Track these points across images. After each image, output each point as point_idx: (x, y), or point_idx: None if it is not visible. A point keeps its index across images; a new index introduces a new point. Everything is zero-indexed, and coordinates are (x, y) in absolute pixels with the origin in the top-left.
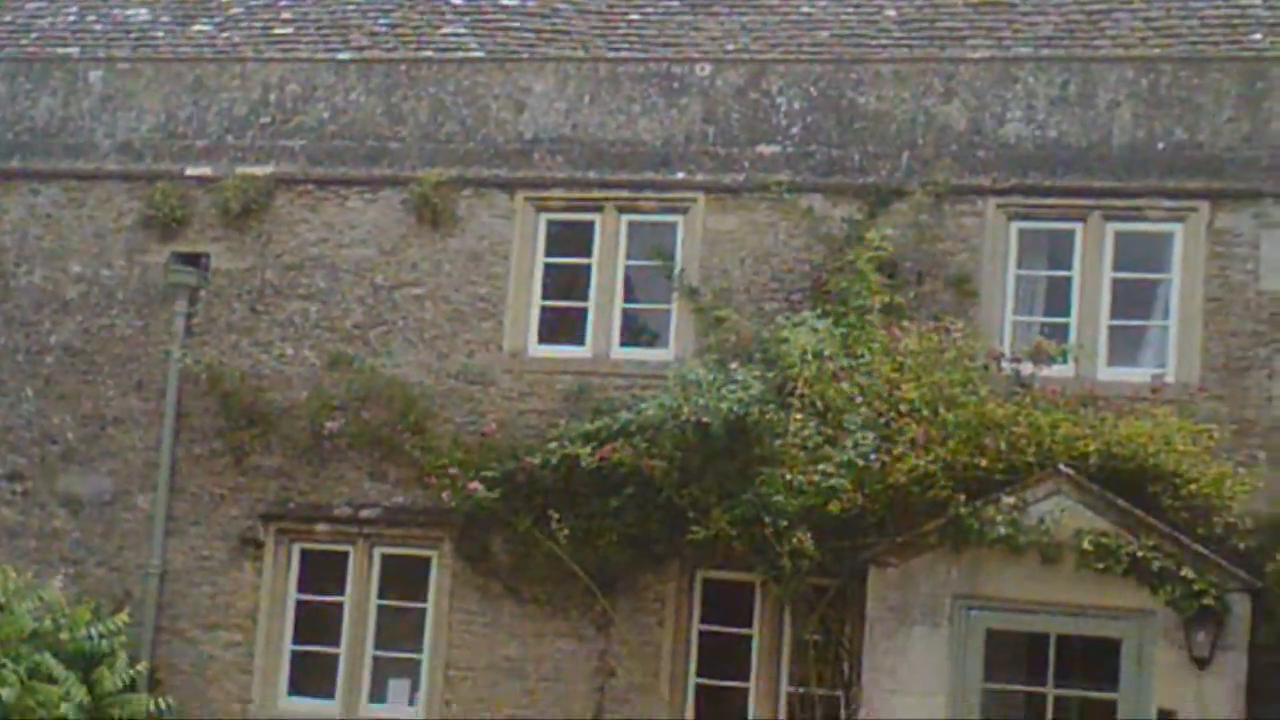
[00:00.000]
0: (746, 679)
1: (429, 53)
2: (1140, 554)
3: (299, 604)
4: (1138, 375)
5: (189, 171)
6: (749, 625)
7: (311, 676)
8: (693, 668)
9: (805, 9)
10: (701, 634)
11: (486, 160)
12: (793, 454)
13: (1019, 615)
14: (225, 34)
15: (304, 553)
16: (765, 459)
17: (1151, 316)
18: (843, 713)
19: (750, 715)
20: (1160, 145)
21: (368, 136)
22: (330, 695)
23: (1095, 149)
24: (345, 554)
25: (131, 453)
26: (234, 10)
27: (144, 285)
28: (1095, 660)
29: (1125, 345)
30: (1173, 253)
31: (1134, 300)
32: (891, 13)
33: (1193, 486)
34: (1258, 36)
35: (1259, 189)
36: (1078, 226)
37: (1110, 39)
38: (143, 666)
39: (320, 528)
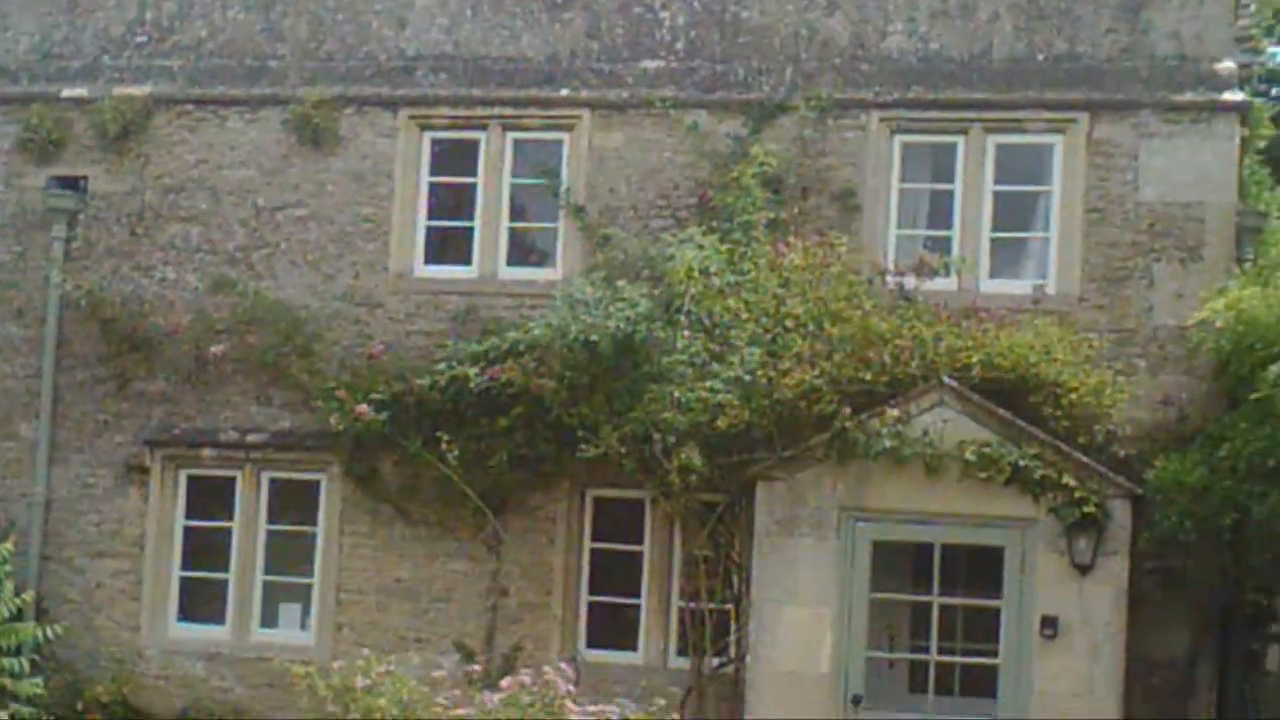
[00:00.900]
0: (638, 595)
1: None
2: (1022, 463)
3: (187, 530)
4: (1019, 287)
5: (65, 93)
6: (640, 542)
7: (201, 603)
8: (585, 585)
9: None
10: (593, 552)
11: (368, 78)
12: (681, 371)
13: (904, 526)
14: None
15: (191, 479)
16: (654, 376)
17: (1033, 228)
18: (733, 626)
19: (642, 631)
20: (1040, 57)
21: (247, 55)
22: (221, 621)
23: (976, 61)
24: (233, 479)
25: (12, 380)
26: None
27: (21, 209)
28: (980, 569)
29: (1007, 257)
30: (1053, 164)
31: (1015, 212)
32: None
33: (1073, 396)
34: None
35: (1138, 100)
36: (959, 140)
37: None
38: (29, 595)
39: (207, 453)
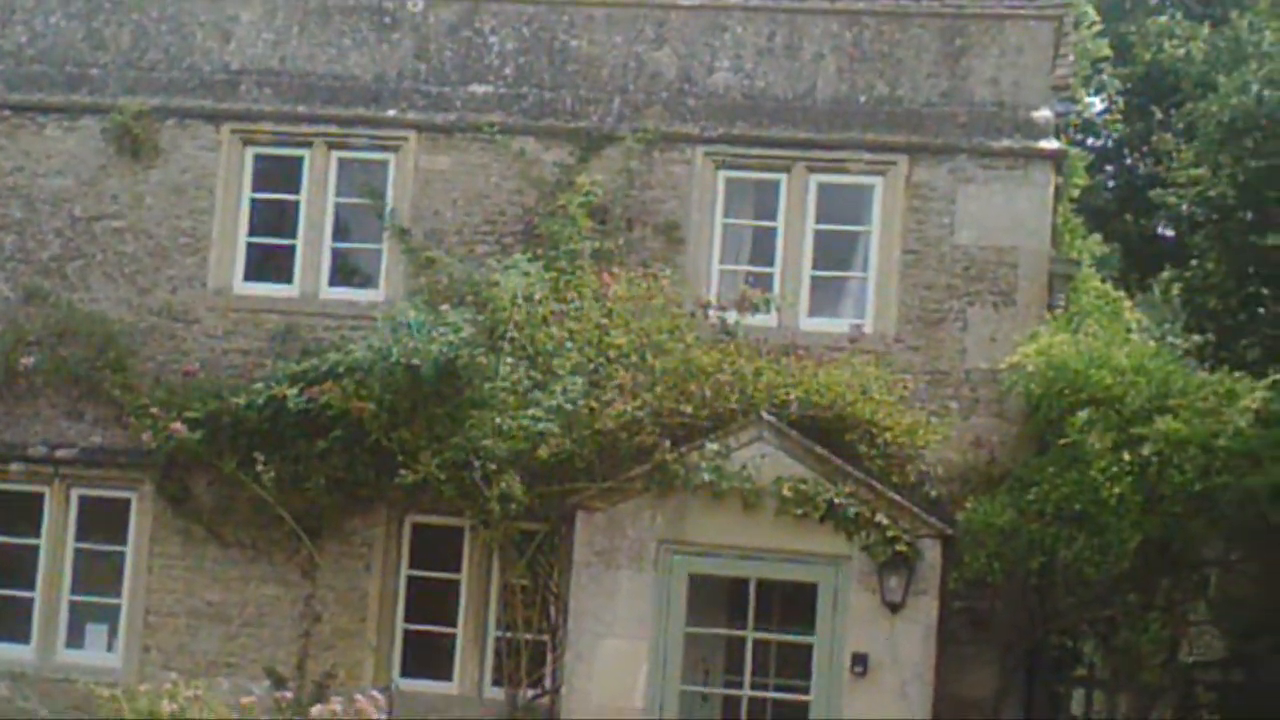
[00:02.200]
0: (454, 624)
1: None
2: (837, 500)
3: None
4: (838, 325)
5: None
6: (457, 570)
7: (5, 621)
8: (401, 613)
9: None
10: (410, 579)
11: (191, 90)
12: (503, 398)
13: (721, 560)
14: None
15: None
16: (476, 403)
17: (852, 268)
18: (549, 657)
19: (457, 660)
20: (863, 99)
21: (67, 62)
22: (26, 640)
23: (801, 100)
24: (41, 495)
25: None
26: None
27: None
28: (793, 605)
29: (827, 296)
30: (873, 205)
31: (836, 251)
32: None
33: (888, 435)
34: None
35: (956, 145)
36: (783, 177)
37: None
38: None
39: (14, 467)
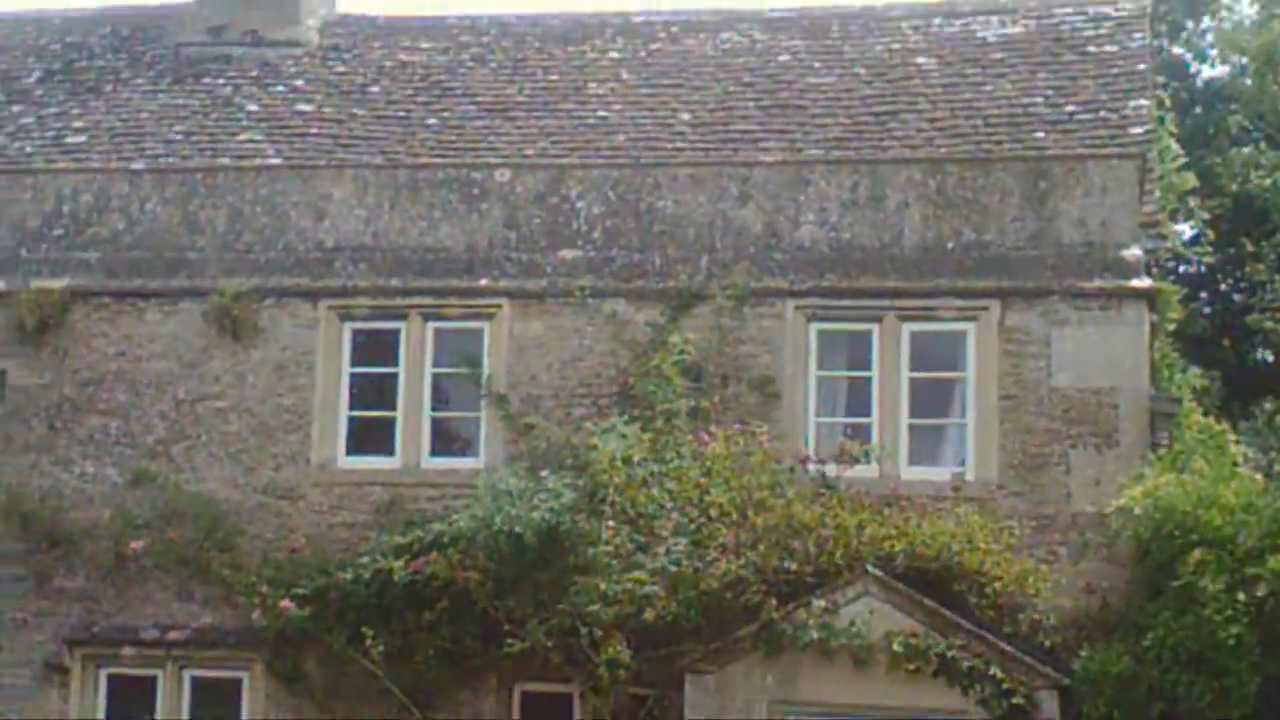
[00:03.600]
0: None
1: (225, 160)
2: (949, 654)
3: None
4: (939, 474)
5: None
6: None
7: None
8: None
9: (601, 113)
10: None
11: (288, 269)
12: (606, 562)
13: None
14: (17, 144)
15: (111, 678)
16: (579, 568)
17: (950, 415)
18: None
19: None
20: (950, 245)
21: (165, 247)
22: None
23: (888, 250)
24: (154, 678)
25: None
26: (25, 120)
27: None
28: None
29: (926, 444)
30: (967, 351)
31: (932, 399)
32: (686, 116)
33: (997, 584)
34: (1041, 135)
35: (1047, 287)
36: (875, 327)
37: (898, 140)
38: None
39: (127, 651)
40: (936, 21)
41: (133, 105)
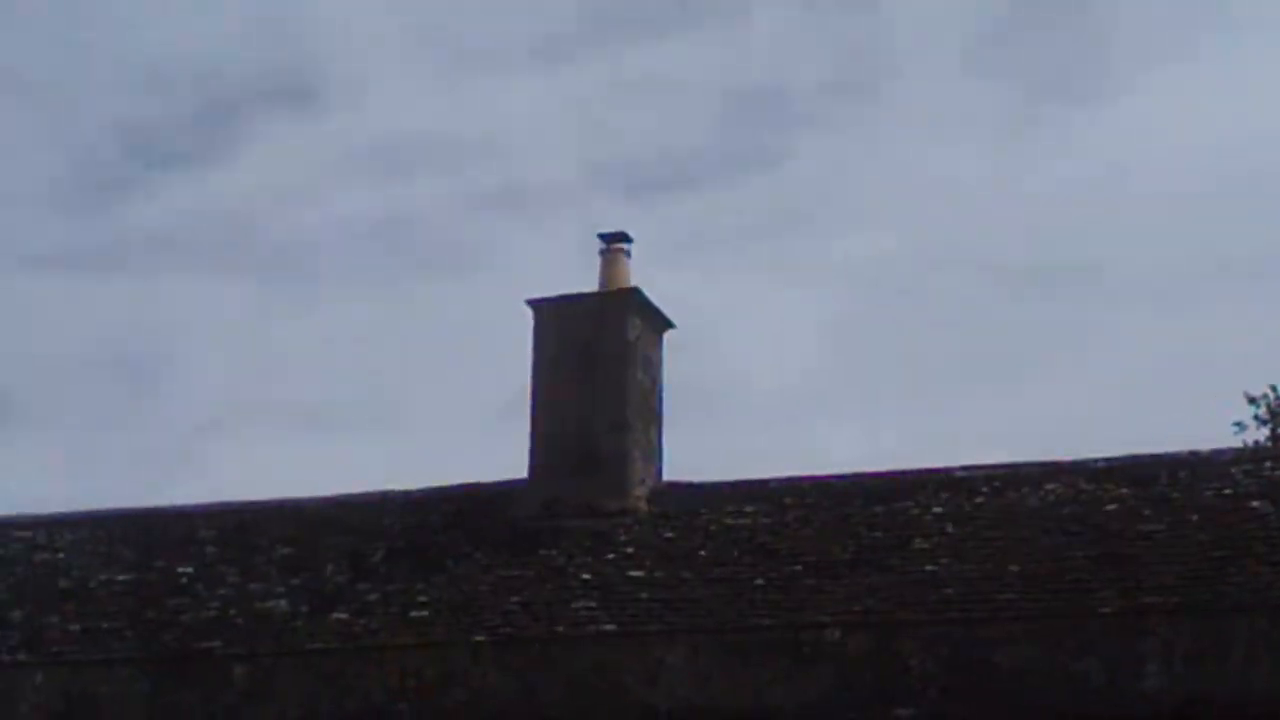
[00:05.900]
0: None
1: (561, 629)
2: None
3: None
4: None
5: None
6: None
7: None
8: None
9: (928, 567)
10: None
11: None
12: None
13: None
14: (362, 620)
15: None
16: None
17: None
18: None
19: None
20: None
21: (505, 717)
22: None
23: (1236, 701)
24: None
25: None
26: (370, 597)
27: None
28: None
29: None
30: None
31: None
32: (1014, 567)
33: None
34: None
35: None
36: None
37: (1236, 586)
38: None
39: None
40: (1268, 465)
41: (472, 579)
